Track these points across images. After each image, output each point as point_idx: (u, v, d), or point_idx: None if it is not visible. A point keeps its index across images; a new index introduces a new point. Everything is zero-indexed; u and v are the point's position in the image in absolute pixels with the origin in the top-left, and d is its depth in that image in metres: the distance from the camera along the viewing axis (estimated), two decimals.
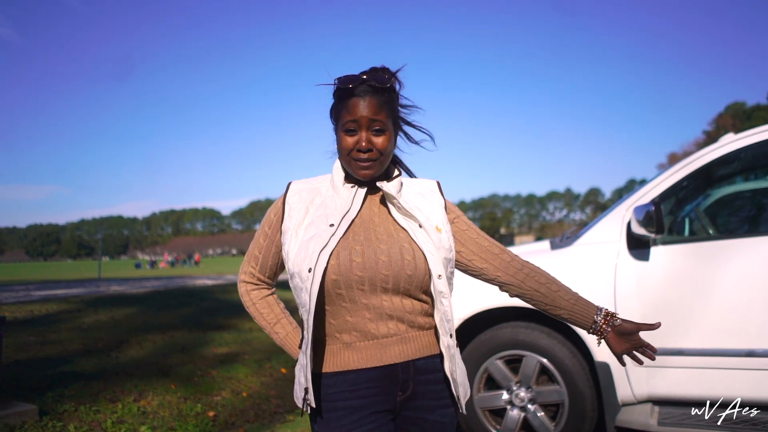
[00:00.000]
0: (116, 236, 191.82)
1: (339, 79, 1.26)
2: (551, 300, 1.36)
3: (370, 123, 1.25)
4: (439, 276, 1.23)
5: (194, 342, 6.24)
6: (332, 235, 1.22)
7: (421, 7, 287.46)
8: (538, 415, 2.82)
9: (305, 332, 1.21)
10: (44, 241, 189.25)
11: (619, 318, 1.34)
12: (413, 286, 1.23)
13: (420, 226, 1.28)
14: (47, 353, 5.43)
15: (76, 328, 7.15)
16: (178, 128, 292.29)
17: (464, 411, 1.31)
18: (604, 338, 1.35)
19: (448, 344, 1.26)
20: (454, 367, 1.26)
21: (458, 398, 1.29)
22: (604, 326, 1.34)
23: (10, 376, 4.27)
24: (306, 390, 1.19)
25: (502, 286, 1.39)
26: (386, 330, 1.23)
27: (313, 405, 1.20)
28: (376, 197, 1.35)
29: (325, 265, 1.18)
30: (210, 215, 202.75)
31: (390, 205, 1.31)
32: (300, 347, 1.29)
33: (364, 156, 1.26)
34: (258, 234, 1.38)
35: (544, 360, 2.80)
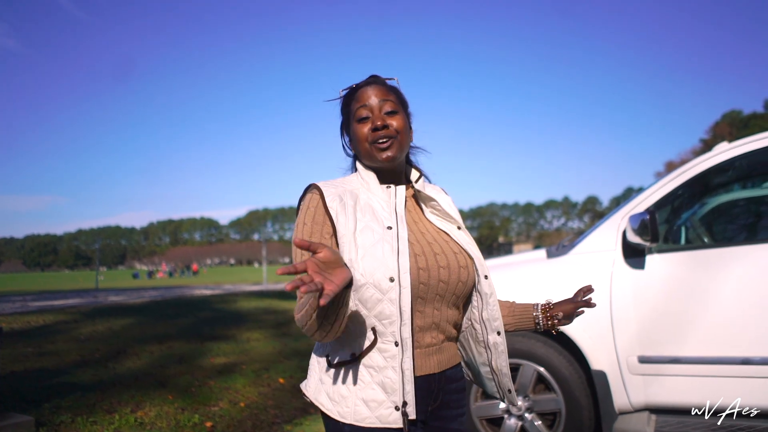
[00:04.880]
0: (114, 246, 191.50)
1: (344, 88, 1.30)
2: None
3: (381, 105, 1.23)
4: (486, 276, 1.23)
5: (192, 352, 6.22)
6: (397, 238, 1.15)
7: (418, 14, 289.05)
8: (536, 423, 2.82)
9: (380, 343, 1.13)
10: (41, 252, 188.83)
11: (557, 311, 1.33)
12: (462, 294, 1.22)
13: (459, 228, 1.26)
14: (44, 364, 5.41)
15: (73, 338, 7.12)
16: (176, 139, 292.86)
17: (517, 404, 1.35)
18: (555, 329, 1.35)
19: (494, 342, 1.25)
20: (502, 362, 1.27)
21: (509, 391, 1.30)
22: (548, 324, 1.34)
23: (6, 388, 4.25)
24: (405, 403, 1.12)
25: None
26: (430, 340, 1.20)
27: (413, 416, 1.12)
28: (409, 197, 1.30)
29: (407, 272, 1.12)
30: (208, 225, 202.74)
31: (424, 206, 1.28)
32: (359, 354, 1.16)
33: (382, 134, 1.21)
34: (301, 233, 1.19)
35: (541, 369, 2.81)
